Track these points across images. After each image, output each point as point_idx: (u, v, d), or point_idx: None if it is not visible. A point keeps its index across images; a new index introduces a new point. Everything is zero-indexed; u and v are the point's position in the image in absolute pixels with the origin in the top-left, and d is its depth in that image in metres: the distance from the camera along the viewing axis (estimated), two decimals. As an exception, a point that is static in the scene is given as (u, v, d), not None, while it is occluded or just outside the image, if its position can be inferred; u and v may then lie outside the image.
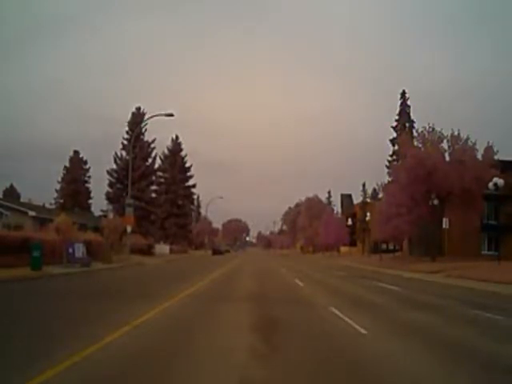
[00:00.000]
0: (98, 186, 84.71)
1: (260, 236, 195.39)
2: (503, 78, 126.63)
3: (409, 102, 58.57)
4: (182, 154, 69.49)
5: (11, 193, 74.91)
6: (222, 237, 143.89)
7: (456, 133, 37.07)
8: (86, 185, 66.30)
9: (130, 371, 5.01)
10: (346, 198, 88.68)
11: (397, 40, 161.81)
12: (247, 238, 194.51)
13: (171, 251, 55.95)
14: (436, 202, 36.68)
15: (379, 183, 49.34)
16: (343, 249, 73.51)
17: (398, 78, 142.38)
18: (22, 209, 35.73)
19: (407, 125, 56.86)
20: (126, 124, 54.59)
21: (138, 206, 44.68)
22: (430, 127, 37.88)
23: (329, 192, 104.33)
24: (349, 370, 5.27)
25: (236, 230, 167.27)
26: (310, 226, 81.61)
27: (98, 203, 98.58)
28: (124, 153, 53.90)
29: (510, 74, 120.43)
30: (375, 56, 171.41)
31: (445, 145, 37.66)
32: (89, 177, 66.66)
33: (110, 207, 51.31)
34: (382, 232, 41.33)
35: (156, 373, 4.89)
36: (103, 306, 10.17)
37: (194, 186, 71.18)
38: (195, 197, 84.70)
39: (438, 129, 37.70)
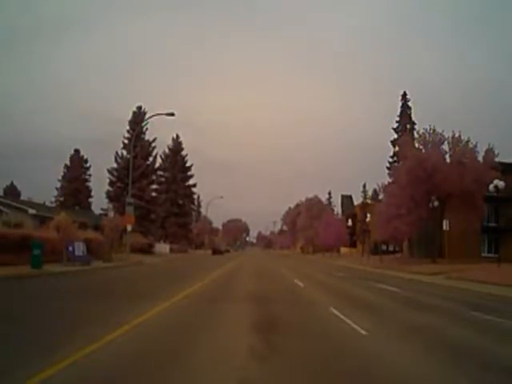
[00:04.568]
0: (99, 185, 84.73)
1: (260, 236, 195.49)
2: (503, 78, 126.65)
3: (409, 104, 58.66)
4: (183, 153, 69.49)
5: (11, 191, 74.94)
6: (222, 237, 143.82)
7: (457, 135, 37.15)
8: (87, 183, 66.31)
9: (130, 370, 5.00)
10: (347, 199, 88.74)
11: (397, 40, 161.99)
12: (247, 238, 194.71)
13: (171, 250, 55.96)
14: (436, 203, 36.72)
15: (380, 184, 49.34)
16: (343, 249, 73.53)
17: (398, 78, 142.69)
18: (23, 207, 35.70)
19: (408, 126, 56.91)
20: (127, 123, 54.68)
21: (139, 205, 44.68)
22: (430, 129, 37.96)
23: (329, 192, 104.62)
24: (349, 371, 5.27)
25: (236, 229, 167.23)
26: (310, 226, 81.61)
27: (99, 202, 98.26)
28: (125, 152, 53.90)
29: (510, 74, 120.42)
30: (375, 56, 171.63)
31: (445, 146, 37.74)
32: (89, 175, 66.73)
33: (111, 206, 51.22)
34: (382, 233, 41.34)
35: (156, 373, 4.89)
36: (103, 304, 10.16)
37: (194, 185, 71.20)
38: (195, 196, 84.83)
39: (438, 130, 37.81)
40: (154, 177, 59.40)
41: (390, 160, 57.55)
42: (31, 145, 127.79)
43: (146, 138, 55.89)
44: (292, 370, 5.21)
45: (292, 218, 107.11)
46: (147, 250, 43.88)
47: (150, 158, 56.84)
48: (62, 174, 65.48)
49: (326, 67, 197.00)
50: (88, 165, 66.73)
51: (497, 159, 36.25)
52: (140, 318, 8.19)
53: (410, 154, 37.13)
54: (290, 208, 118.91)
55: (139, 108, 55.04)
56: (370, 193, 78.02)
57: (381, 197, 50.07)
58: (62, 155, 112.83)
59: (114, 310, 9.39)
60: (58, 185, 65.32)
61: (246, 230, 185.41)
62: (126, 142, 53.82)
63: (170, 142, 69.59)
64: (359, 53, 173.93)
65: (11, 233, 21.42)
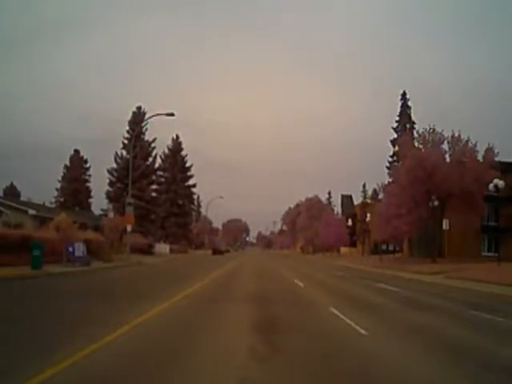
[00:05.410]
0: (99, 185, 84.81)
1: (260, 236, 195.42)
2: (503, 78, 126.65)
3: (409, 103, 58.69)
4: (183, 153, 69.59)
5: (11, 191, 74.95)
6: (222, 237, 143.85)
7: (456, 134, 37.14)
8: (87, 184, 66.34)
9: (130, 370, 5.00)
10: (347, 199, 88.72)
11: (397, 40, 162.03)
12: (247, 238, 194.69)
13: (171, 251, 55.96)
14: (436, 203, 36.68)
15: (379, 184, 49.35)
16: (343, 249, 73.52)
17: (398, 78, 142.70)
18: (22, 207, 35.72)
19: (408, 126, 56.93)
20: (127, 123, 54.71)
21: (139, 205, 44.69)
22: (430, 128, 37.95)
23: (329, 192, 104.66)
24: (349, 371, 5.26)
25: (236, 230, 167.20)
26: (310, 226, 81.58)
27: (99, 202, 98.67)
28: (124, 152, 53.97)
29: (510, 74, 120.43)
30: (375, 56, 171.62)
31: (445, 146, 37.73)
32: (89, 176, 66.77)
33: (111, 206, 51.30)
34: (382, 233, 41.32)
35: (156, 373, 4.89)
36: (103, 305, 10.16)
37: (194, 185, 71.30)
38: (195, 196, 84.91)
39: (438, 129, 37.80)
40: (153, 177, 59.47)
41: (390, 160, 57.58)
42: (31, 145, 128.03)
43: (146, 138, 56.02)
44: (292, 370, 5.21)
45: (292, 217, 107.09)
46: (147, 250, 43.89)
47: (150, 159, 56.92)
48: (61, 174, 65.57)
49: (325, 67, 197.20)
50: (88, 165, 66.88)
51: (497, 159, 36.26)
52: (140, 318, 8.19)
53: (410, 154, 37.10)
54: (289, 208, 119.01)
55: (139, 108, 55.11)
56: (369, 193, 78.13)
57: (381, 196, 50.08)
58: (62, 155, 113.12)
59: (114, 310, 9.39)
60: (58, 185, 65.41)
61: (246, 230, 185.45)
62: (125, 142, 53.87)
63: (169, 143, 69.76)
64: (359, 53, 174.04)
65: (11, 233, 21.43)
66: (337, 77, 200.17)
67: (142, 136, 54.79)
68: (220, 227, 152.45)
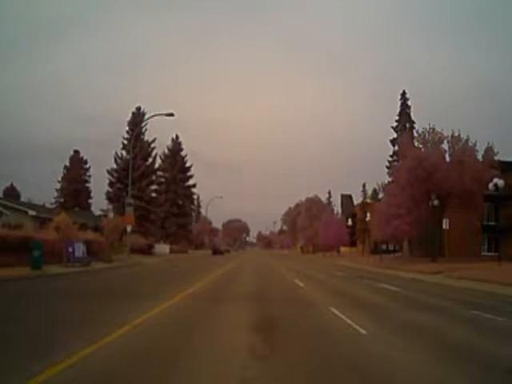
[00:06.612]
0: (99, 186, 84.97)
1: (260, 236, 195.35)
2: (503, 78, 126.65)
3: (409, 103, 58.61)
4: (182, 153, 69.53)
5: (11, 192, 74.85)
6: (222, 237, 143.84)
7: (456, 133, 37.15)
8: (87, 184, 66.24)
9: (131, 370, 5.01)
10: (346, 199, 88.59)
11: (397, 40, 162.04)
12: (247, 238, 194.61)
13: (171, 251, 55.92)
14: (436, 202, 36.67)
15: (379, 184, 49.31)
16: (343, 249, 73.53)
17: (397, 78, 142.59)
18: (22, 208, 35.73)
19: (407, 125, 56.85)
20: (127, 124, 54.68)
21: (138, 205, 44.68)
22: (430, 128, 37.96)
23: (329, 192, 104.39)
24: (349, 371, 5.27)
25: (236, 229, 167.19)
26: (310, 226, 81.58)
27: (99, 203, 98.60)
28: (124, 152, 53.89)
29: (510, 74, 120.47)
30: (375, 56, 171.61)
31: (445, 145, 37.74)
32: (89, 176, 66.66)
33: (110, 207, 51.26)
34: (382, 232, 41.28)
35: (156, 372, 4.89)
36: (103, 305, 10.17)
37: (194, 185, 71.25)
38: (195, 197, 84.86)
39: (438, 129, 37.80)
40: (153, 177, 59.37)
41: (390, 159, 57.50)
42: (31, 145, 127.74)
43: (146, 138, 55.94)
44: (292, 370, 5.21)
45: (292, 217, 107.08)
46: (147, 250, 43.87)
47: (150, 159, 56.81)
48: (61, 174, 65.48)
49: (325, 67, 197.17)
50: (88, 166, 66.77)
51: (496, 158, 36.29)
52: (140, 318, 8.19)
53: (410, 154, 37.11)
54: (289, 208, 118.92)
55: (138, 109, 55.04)
56: (369, 192, 78.02)
57: (381, 196, 50.07)
58: (62, 155, 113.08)
59: (114, 310, 9.39)
60: (58, 186, 65.32)
61: (246, 230, 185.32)
62: (125, 142, 53.84)
63: (169, 143, 69.77)
64: (359, 53, 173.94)
65: (11, 234, 21.40)
66: (337, 77, 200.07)
67: (142, 136, 54.72)
68: (220, 227, 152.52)
